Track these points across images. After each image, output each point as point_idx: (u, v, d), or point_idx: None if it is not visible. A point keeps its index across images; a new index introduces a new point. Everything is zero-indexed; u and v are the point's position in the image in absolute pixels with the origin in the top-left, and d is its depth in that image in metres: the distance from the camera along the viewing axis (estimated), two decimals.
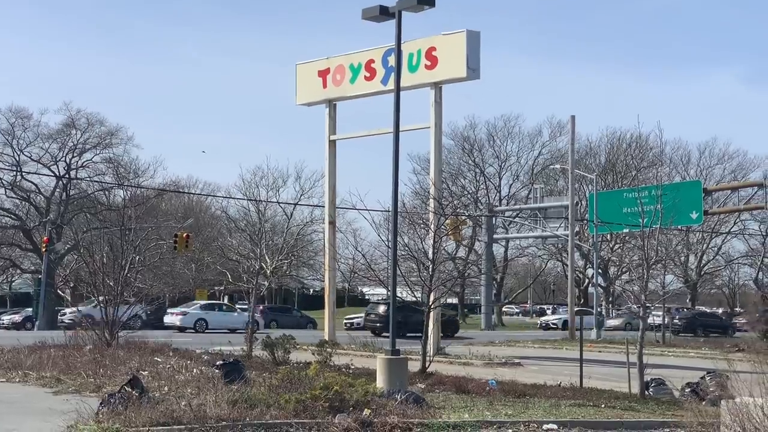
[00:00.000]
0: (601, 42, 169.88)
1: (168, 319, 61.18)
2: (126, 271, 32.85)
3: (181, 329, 58.52)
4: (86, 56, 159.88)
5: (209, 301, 70.47)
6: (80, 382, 22.70)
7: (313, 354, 27.70)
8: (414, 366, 26.02)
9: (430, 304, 27.68)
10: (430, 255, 27.18)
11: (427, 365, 26.37)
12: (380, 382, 20.66)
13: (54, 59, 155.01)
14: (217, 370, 22.70)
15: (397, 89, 23.98)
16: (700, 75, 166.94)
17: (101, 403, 17.01)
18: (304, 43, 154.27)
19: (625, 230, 58.66)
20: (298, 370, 19.77)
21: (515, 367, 32.15)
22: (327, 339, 38.18)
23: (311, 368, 19.27)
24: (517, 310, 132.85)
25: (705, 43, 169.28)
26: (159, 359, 27.60)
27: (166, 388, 20.26)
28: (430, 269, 26.84)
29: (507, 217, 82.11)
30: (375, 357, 24.17)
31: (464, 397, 21.44)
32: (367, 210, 30.77)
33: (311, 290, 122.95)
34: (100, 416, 16.08)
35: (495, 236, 77.87)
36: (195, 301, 69.39)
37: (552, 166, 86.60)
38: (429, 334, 28.05)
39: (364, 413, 16.47)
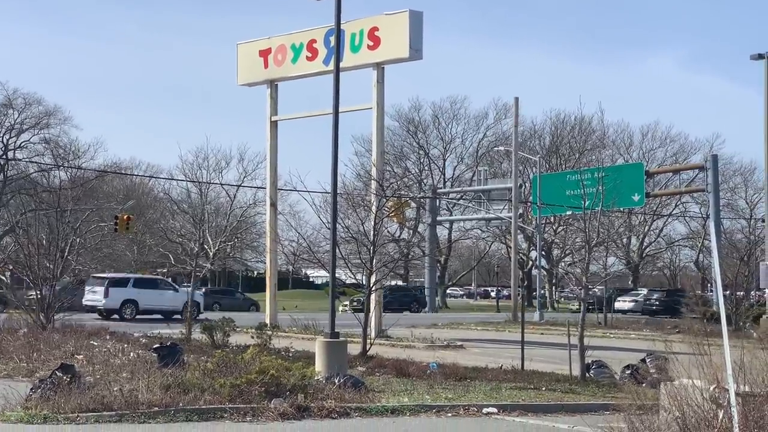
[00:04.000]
0: (545, 25, 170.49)
1: (618, 305, 70.51)
2: (66, 253, 32.36)
3: (624, 312, 68.36)
4: (22, 35, 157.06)
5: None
6: (13, 367, 22.23)
7: (253, 337, 27.32)
8: (355, 349, 25.82)
9: (371, 286, 27.43)
10: (371, 237, 26.90)
11: (368, 348, 26.13)
12: (319, 366, 20.37)
13: None
14: (154, 354, 22.32)
15: (337, 69, 23.59)
16: (641, 58, 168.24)
17: (32, 389, 16.59)
18: (245, 23, 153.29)
19: (568, 212, 58.83)
20: (234, 354, 19.41)
21: (457, 349, 32.00)
22: (268, 322, 37.86)
23: (247, 352, 18.94)
24: (461, 292, 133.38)
25: (645, 25, 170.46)
26: (95, 343, 27.16)
27: (100, 373, 19.86)
28: (371, 251, 26.56)
29: (451, 199, 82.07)
30: (316, 340, 23.84)
31: (405, 380, 21.22)
32: (307, 191, 30.41)
33: (255, 273, 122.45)
34: (29, 402, 15.65)
35: (438, 218, 77.87)
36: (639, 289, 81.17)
37: (496, 148, 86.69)
38: (370, 317, 27.79)
39: (300, 398, 16.19)
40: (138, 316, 48.34)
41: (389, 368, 22.92)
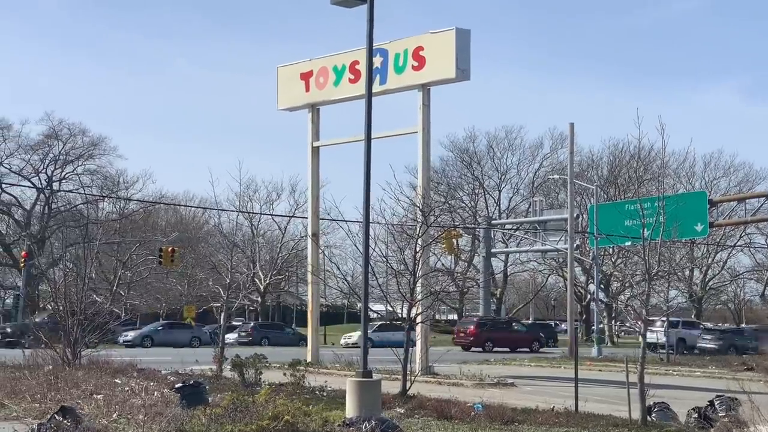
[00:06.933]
0: (601, 55, 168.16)
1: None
2: (115, 287, 31.34)
3: None
4: (67, 67, 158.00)
5: None
6: (25, 407, 20.68)
7: (285, 375, 25.44)
8: (397, 387, 23.94)
9: (413, 318, 25.45)
10: (411, 266, 24.99)
11: (408, 387, 24.11)
12: (349, 408, 18.40)
13: (36, 69, 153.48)
14: (177, 394, 20.65)
15: (369, 92, 21.62)
16: (703, 88, 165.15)
17: None
18: (291, 52, 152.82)
19: (627, 243, 56.38)
20: (247, 396, 17.50)
21: (508, 387, 29.93)
22: (309, 357, 36.05)
23: (261, 393, 17.04)
24: None
25: (707, 55, 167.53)
26: (119, 381, 25.51)
27: (115, 415, 18.15)
28: (411, 282, 24.60)
29: (506, 230, 79.95)
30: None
31: (446, 423, 19.26)
32: (346, 221, 28.66)
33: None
34: None
35: (493, 250, 75.73)
36: None
37: (552, 176, 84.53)
38: (410, 352, 25.77)
39: None
40: None
41: (430, 410, 20.97)
